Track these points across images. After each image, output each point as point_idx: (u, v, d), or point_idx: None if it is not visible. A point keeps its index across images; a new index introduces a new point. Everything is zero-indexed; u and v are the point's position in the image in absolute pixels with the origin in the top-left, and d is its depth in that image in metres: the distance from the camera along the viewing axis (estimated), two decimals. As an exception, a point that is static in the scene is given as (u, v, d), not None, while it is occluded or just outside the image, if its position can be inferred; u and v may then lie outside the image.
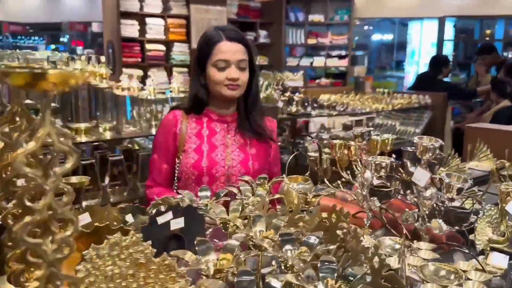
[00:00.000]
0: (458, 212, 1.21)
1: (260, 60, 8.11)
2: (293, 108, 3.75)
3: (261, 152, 1.79)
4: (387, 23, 10.43)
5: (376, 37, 11.32)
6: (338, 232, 0.98)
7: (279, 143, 1.46)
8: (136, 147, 2.64)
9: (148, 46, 7.03)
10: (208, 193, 1.39)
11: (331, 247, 0.94)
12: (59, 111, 2.25)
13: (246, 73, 1.68)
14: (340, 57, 8.17)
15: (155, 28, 7.08)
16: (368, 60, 9.27)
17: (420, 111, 5.36)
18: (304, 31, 8.25)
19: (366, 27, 10.61)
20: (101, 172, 2.30)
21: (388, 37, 11.23)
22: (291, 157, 1.85)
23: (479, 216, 1.22)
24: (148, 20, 7.00)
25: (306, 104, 3.77)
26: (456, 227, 1.22)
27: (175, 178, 1.75)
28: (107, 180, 2.34)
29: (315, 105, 3.70)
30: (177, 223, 0.93)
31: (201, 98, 1.73)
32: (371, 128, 1.61)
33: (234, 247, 0.91)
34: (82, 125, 2.13)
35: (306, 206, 1.34)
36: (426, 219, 1.23)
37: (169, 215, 0.91)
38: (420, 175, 1.19)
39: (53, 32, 11.76)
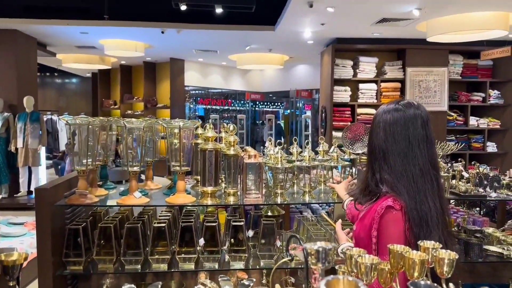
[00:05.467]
0: None
1: (490, 123, 7.09)
2: (462, 187, 2.59)
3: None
4: None
5: None
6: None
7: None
8: (269, 214, 2.60)
9: (359, 110, 7.08)
10: None
11: None
12: (190, 173, 2.45)
13: None
14: None
15: (367, 93, 7.14)
16: None
17: None
18: (552, 89, 6.86)
19: None
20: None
21: None
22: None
23: None
24: (361, 85, 7.15)
25: (484, 181, 2.54)
26: None
27: None
28: (226, 243, 2.37)
29: (496, 184, 2.67)
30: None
31: None
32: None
33: None
34: (209, 189, 2.24)
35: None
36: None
37: None
38: None
39: (285, 99, 13.13)
